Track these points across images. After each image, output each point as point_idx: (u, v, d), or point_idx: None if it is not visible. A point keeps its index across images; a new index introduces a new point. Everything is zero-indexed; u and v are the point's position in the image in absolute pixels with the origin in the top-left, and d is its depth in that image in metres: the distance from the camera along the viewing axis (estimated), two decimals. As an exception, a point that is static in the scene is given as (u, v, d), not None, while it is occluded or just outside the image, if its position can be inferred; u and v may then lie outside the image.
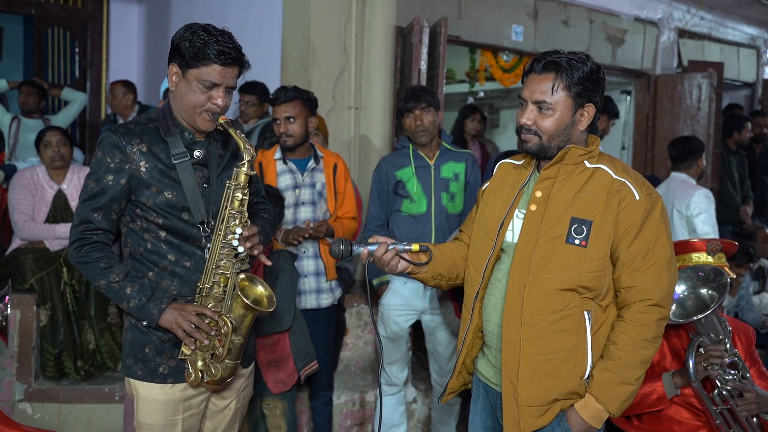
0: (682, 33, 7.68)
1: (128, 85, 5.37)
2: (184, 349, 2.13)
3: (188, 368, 2.13)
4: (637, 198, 1.95)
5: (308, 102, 3.26)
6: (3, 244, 4.60)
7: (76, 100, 5.58)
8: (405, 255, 2.07)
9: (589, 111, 2.00)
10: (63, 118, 5.49)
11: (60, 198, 3.93)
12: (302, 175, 3.30)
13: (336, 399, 3.86)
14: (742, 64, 8.57)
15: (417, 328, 3.64)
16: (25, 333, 3.68)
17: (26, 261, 3.78)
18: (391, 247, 2.03)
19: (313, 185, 3.31)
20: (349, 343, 3.92)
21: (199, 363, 2.13)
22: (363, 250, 2.02)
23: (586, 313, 1.95)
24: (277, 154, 3.32)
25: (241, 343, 2.17)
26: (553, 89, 1.95)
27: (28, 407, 3.68)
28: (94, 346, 3.85)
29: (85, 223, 2.08)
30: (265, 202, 2.49)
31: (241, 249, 2.12)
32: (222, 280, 2.13)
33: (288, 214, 3.29)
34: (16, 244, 3.92)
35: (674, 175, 4.58)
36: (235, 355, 2.17)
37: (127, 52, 6.97)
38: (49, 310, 3.76)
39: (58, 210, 3.92)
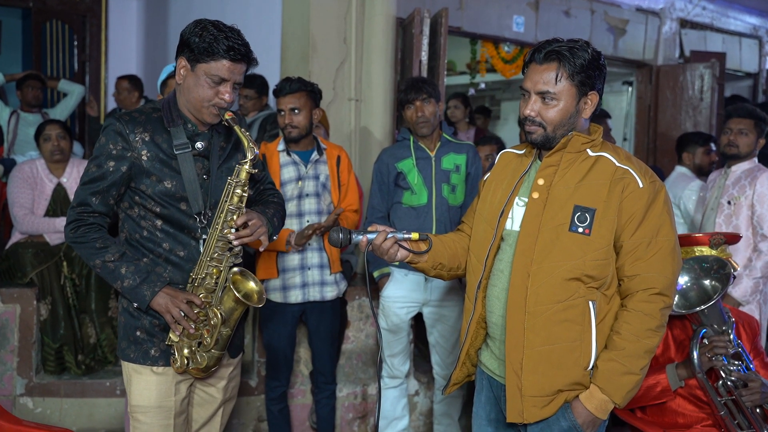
0: (684, 23, 7.64)
1: (134, 81, 5.29)
2: (171, 335, 2.17)
3: (174, 354, 2.18)
4: (641, 186, 1.93)
5: (313, 94, 3.25)
6: (3, 238, 4.59)
7: (73, 93, 5.54)
8: (404, 243, 2.05)
9: (592, 99, 1.99)
10: (61, 111, 5.45)
11: (59, 191, 3.91)
12: (305, 166, 3.28)
13: (338, 392, 3.84)
14: (745, 54, 8.53)
15: (419, 321, 3.63)
16: (25, 327, 3.67)
17: (26, 255, 3.77)
18: (390, 235, 2.02)
19: (316, 177, 3.29)
20: (350, 335, 3.91)
21: (185, 350, 2.16)
22: (362, 239, 2.01)
23: (590, 302, 1.94)
24: (281, 146, 3.30)
25: (228, 335, 2.21)
26: (556, 79, 1.93)
27: (29, 402, 3.67)
28: (95, 340, 3.84)
29: (82, 206, 2.12)
30: (274, 187, 2.52)
31: (236, 243, 2.14)
32: (215, 272, 2.16)
33: (291, 206, 3.27)
34: (15, 238, 3.91)
35: (676, 168, 4.86)
36: (222, 345, 2.21)
37: (126, 46, 6.94)
38: (49, 304, 3.75)
39: (58, 203, 3.91)
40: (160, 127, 2.14)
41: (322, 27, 4.38)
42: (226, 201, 2.13)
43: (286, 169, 3.27)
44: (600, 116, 3.86)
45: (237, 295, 2.12)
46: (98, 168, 2.11)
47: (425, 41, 4.46)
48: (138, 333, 2.19)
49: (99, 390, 3.71)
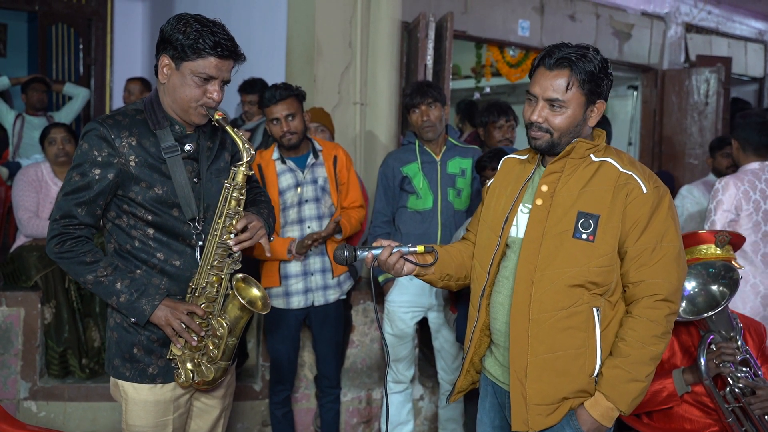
0: (690, 27, 7.63)
1: (145, 83, 5.31)
2: (173, 348, 2.08)
3: (178, 369, 2.09)
4: (645, 191, 1.92)
5: (300, 96, 3.22)
6: (8, 242, 4.59)
7: (78, 96, 5.55)
8: (410, 257, 2.03)
9: (599, 107, 1.98)
10: (66, 114, 5.47)
11: (64, 195, 3.91)
12: (302, 172, 3.26)
13: (342, 396, 3.83)
14: (750, 58, 8.52)
15: (424, 325, 3.62)
16: (29, 331, 3.66)
17: (30, 258, 3.76)
18: (395, 249, 1.99)
19: (315, 181, 3.27)
20: (355, 340, 3.90)
21: (189, 364, 2.09)
22: (367, 255, 1.98)
23: (595, 309, 1.93)
24: (275, 155, 3.26)
25: (235, 344, 2.13)
26: (567, 87, 1.91)
27: (32, 405, 3.67)
28: (99, 344, 3.83)
29: (67, 218, 1.99)
30: (258, 185, 2.45)
31: (236, 249, 2.07)
32: (215, 279, 2.08)
33: (292, 213, 3.25)
34: (20, 241, 3.90)
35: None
36: (228, 356, 2.13)
37: (131, 49, 6.96)
38: (53, 307, 3.74)
39: (63, 207, 3.90)
40: (145, 130, 2.03)
41: (328, 30, 4.38)
42: (224, 205, 2.06)
43: (283, 177, 3.25)
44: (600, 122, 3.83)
45: (242, 302, 2.04)
46: (82, 177, 1.98)
47: (430, 45, 4.46)
48: (135, 350, 2.08)
49: (103, 394, 3.70)
